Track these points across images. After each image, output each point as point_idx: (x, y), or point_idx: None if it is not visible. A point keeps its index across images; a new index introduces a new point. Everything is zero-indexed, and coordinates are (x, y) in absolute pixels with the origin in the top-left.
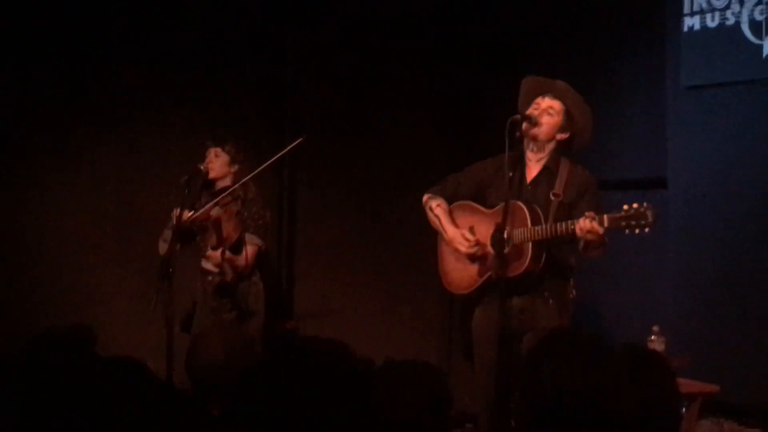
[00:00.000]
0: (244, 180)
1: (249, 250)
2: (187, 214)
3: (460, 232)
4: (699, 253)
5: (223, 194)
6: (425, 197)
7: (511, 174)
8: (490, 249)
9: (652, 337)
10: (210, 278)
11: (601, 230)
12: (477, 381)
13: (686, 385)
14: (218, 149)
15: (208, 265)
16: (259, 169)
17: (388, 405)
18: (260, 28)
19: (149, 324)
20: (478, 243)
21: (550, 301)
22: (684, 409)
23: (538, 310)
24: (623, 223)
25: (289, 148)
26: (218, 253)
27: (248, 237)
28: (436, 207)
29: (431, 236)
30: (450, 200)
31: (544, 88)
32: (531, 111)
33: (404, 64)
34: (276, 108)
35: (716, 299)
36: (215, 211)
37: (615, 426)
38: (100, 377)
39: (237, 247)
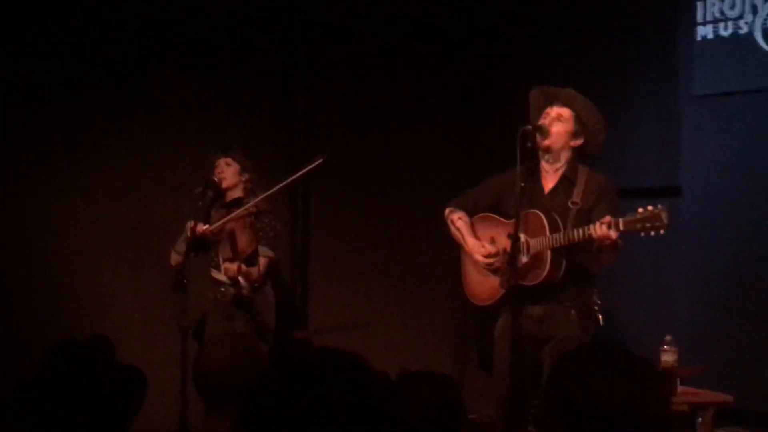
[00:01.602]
0: (263, 196)
1: (261, 262)
2: (202, 227)
3: (479, 243)
4: (712, 262)
5: (242, 209)
6: (447, 211)
7: (523, 185)
8: (520, 245)
9: (665, 347)
10: (223, 289)
11: (615, 235)
12: (495, 387)
13: (699, 394)
14: (228, 159)
15: (219, 276)
16: (279, 186)
17: (402, 415)
18: (271, 37)
19: (164, 334)
20: (497, 254)
21: (572, 311)
22: (700, 419)
23: (559, 319)
24: (638, 226)
25: (309, 168)
26: (235, 266)
27: (260, 248)
28: (457, 220)
29: (446, 246)
30: (471, 213)
31: (552, 97)
32: (542, 121)
33: (418, 72)
34: (288, 117)
35: (729, 308)
36: (230, 224)
37: None
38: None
39: (252, 260)
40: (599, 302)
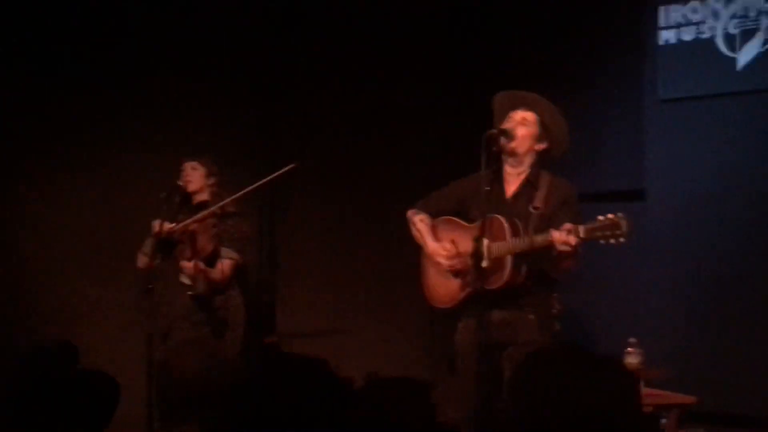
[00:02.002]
0: (231, 198)
1: (226, 264)
2: (168, 225)
3: (440, 245)
4: (675, 265)
5: (206, 211)
6: (409, 212)
7: (488, 189)
8: (471, 262)
9: (630, 349)
10: (189, 293)
11: (573, 241)
12: (460, 392)
13: (664, 396)
14: (195, 163)
15: (185, 280)
16: (247, 190)
17: (374, 421)
18: (244, 42)
19: (131, 338)
20: (458, 255)
21: (531, 315)
22: (664, 420)
23: (519, 324)
24: (598, 234)
25: (280, 173)
26: (191, 264)
27: (225, 251)
28: (419, 222)
29: (415, 250)
30: (434, 215)
31: (516, 101)
32: (506, 125)
33: (388, 78)
34: (260, 123)
35: (693, 311)
36: (193, 225)
37: None
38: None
39: (211, 260)
40: (558, 308)
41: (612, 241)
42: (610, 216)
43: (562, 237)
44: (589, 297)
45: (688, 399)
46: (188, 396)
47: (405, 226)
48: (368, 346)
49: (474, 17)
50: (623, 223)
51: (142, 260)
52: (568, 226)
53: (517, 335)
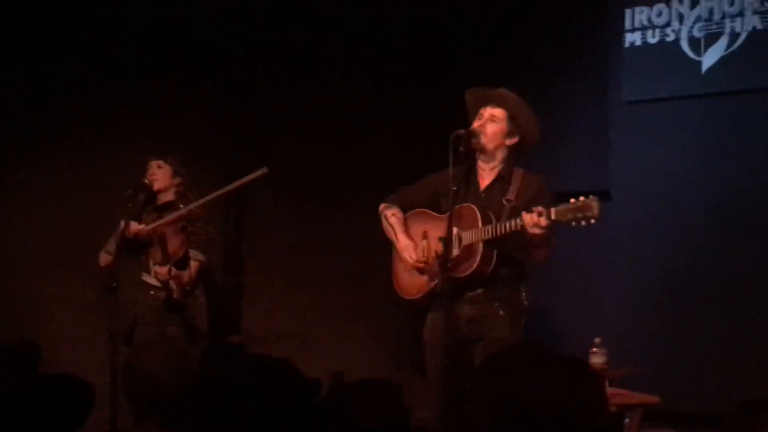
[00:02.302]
0: (201, 202)
1: (192, 266)
2: (136, 226)
3: (411, 245)
4: (639, 264)
5: (176, 213)
6: (381, 206)
7: (455, 188)
8: (439, 254)
9: (594, 349)
10: (152, 292)
11: (545, 222)
12: (428, 388)
13: (628, 396)
14: (160, 161)
15: (150, 280)
16: (217, 194)
17: (346, 425)
18: (211, 42)
19: (94, 337)
20: (426, 262)
21: (501, 311)
22: (627, 420)
23: (489, 319)
24: (570, 215)
25: (250, 178)
26: (165, 269)
27: (191, 252)
28: (390, 216)
29: (381, 248)
30: (405, 209)
31: (485, 98)
32: (475, 123)
33: (352, 80)
34: (225, 124)
35: (657, 311)
36: (161, 227)
37: None
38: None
39: (182, 263)
40: (527, 303)
41: (583, 222)
42: (581, 198)
43: (533, 219)
44: (554, 297)
45: (651, 399)
46: (153, 396)
47: (369, 226)
48: (333, 347)
49: (440, 17)
50: (594, 205)
51: (104, 258)
52: (539, 208)
53: (488, 331)
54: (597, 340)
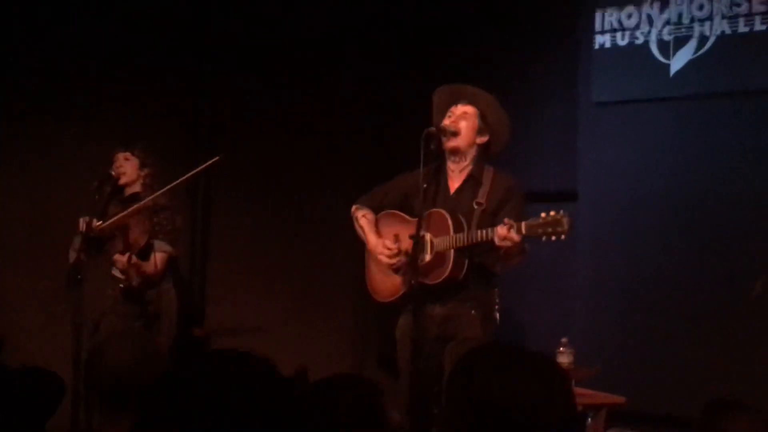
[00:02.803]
0: (159, 192)
1: (159, 257)
2: (97, 223)
3: (381, 242)
4: (606, 265)
5: (137, 205)
6: (353, 208)
7: (425, 186)
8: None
9: (561, 349)
10: (121, 286)
11: (517, 238)
12: (400, 388)
13: (593, 396)
14: (127, 153)
15: (118, 273)
16: (174, 184)
17: (322, 422)
18: (174, 34)
19: (58, 331)
20: (399, 252)
21: (473, 311)
22: (590, 420)
23: (461, 319)
24: (540, 231)
25: (204, 165)
26: (125, 257)
27: (158, 244)
28: (361, 217)
29: (346, 246)
30: (377, 210)
31: (455, 95)
32: (446, 121)
33: (320, 72)
34: (190, 115)
35: (624, 312)
36: (124, 219)
37: None
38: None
39: (145, 253)
40: (498, 303)
41: (553, 237)
42: (552, 213)
43: (504, 233)
44: (520, 296)
45: (617, 399)
46: (119, 389)
47: (336, 220)
48: (297, 341)
49: (410, 14)
50: (565, 221)
51: (72, 256)
52: (509, 222)
53: (459, 330)
54: (563, 339)
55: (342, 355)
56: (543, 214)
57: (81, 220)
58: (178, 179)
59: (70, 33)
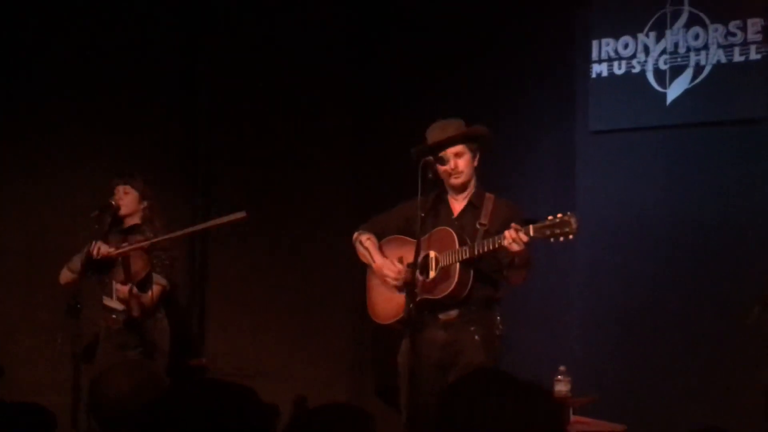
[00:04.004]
0: (173, 235)
1: (154, 289)
2: (105, 249)
3: (388, 261)
4: (604, 293)
5: (145, 242)
6: (355, 234)
7: (422, 215)
8: (417, 277)
9: (559, 377)
10: (114, 316)
11: (525, 239)
12: (400, 417)
13: (592, 424)
14: (127, 186)
15: (111, 303)
16: (191, 230)
17: None
18: (172, 63)
19: (56, 359)
20: (405, 271)
21: (476, 336)
22: None
23: (464, 344)
24: (548, 232)
25: (228, 219)
26: (126, 288)
27: (154, 277)
28: (365, 240)
29: (342, 275)
30: (379, 236)
31: (444, 143)
32: (444, 168)
33: (317, 96)
34: (187, 142)
35: (620, 339)
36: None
37: None
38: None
39: (144, 285)
40: (501, 327)
41: (561, 238)
42: (559, 215)
43: (513, 234)
44: (519, 324)
45: (617, 427)
46: (118, 418)
47: (332, 250)
48: (295, 370)
49: (406, 45)
50: (573, 221)
51: (66, 276)
52: (516, 225)
53: (462, 356)
54: (562, 368)
55: (339, 382)
56: (550, 217)
57: (93, 243)
58: (196, 225)
59: (64, 62)
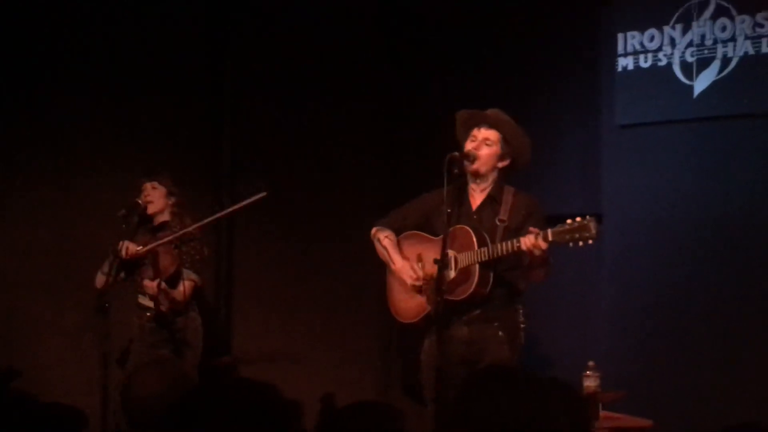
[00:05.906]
0: (199, 224)
1: (186, 285)
2: (133, 248)
3: (408, 264)
4: (632, 288)
5: (174, 235)
6: (373, 230)
7: (449, 210)
8: (445, 274)
9: (587, 373)
10: (148, 314)
11: (544, 245)
12: (426, 414)
13: (620, 419)
14: (154, 183)
15: (145, 301)
16: (216, 216)
17: None
18: (198, 61)
19: (85, 359)
20: (425, 277)
21: (500, 332)
22: None
23: (488, 340)
24: (567, 237)
25: (250, 201)
26: (155, 283)
27: (185, 272)
28: (384, 239)
29: (370, 273)
30: (398, 232)
31: (478, 119)
32: (469, 145)
33: (344, 98)
34: (214, 142)
35: (650, 334)
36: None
37: None
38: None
39: (174, 281)
40: (523, 321)
41: (581, 243)
42: (578, 219)
43: (531, 241)
44: (547, 320)
45: (644, 423)
46: (148, 418)
47: (359, 248)
48: (322, 369)
49: (432, 39)
50: (592, 225)
51: (100, 279)
52: (534, 230)
53: (486, 352)
54: (590, 363)
55: (367, 380)
56: (569, 221)
57: (121, 243)
58: (221, 211)
59: (88, 62)
